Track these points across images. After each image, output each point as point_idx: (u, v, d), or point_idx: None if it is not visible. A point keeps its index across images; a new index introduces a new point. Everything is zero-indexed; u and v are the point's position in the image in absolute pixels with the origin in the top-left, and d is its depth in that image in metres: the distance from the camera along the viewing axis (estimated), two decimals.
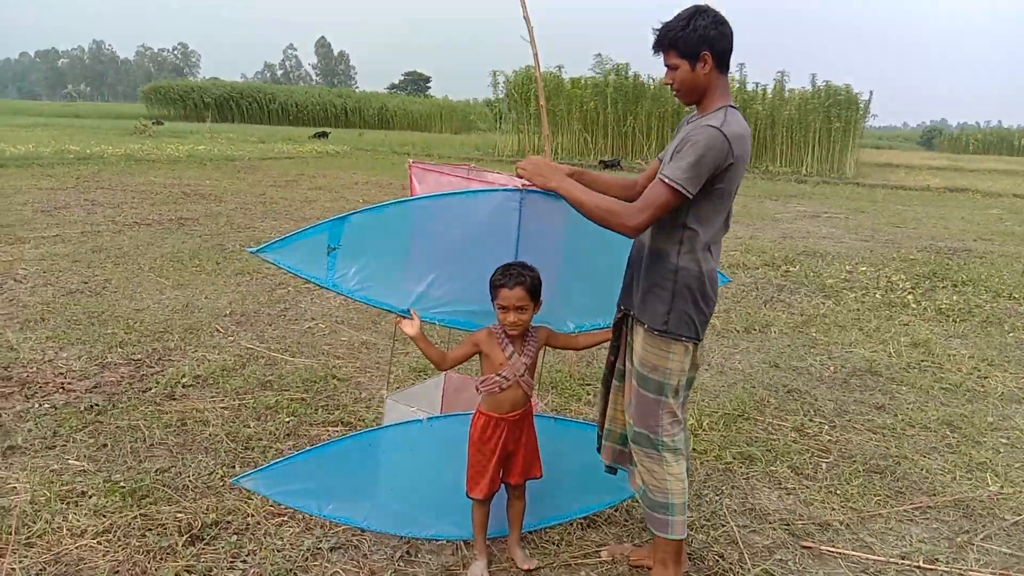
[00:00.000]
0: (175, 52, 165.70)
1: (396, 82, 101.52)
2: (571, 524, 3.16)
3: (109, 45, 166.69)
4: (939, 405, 4.72)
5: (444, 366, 2.71)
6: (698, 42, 2.42)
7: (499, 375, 2.63)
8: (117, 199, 11.61)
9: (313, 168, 18.67)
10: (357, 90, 73.18)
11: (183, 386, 4.41)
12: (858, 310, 7.02)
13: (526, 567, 2.80)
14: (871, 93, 26.71)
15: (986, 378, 5.28)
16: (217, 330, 5.51)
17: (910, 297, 7.55)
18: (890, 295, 7.64)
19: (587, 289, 2.93)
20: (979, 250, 10.64)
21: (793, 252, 9.77)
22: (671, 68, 2.50)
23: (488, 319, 2.70)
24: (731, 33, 2.47)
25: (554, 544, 3.02)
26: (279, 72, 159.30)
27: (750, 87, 26.52)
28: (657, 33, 2.49)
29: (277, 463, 2.65)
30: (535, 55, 4.47)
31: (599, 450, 2.92)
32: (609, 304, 2.81)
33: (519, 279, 2.56)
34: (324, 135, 32.78)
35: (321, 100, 55.50)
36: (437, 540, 2.96)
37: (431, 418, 2.85)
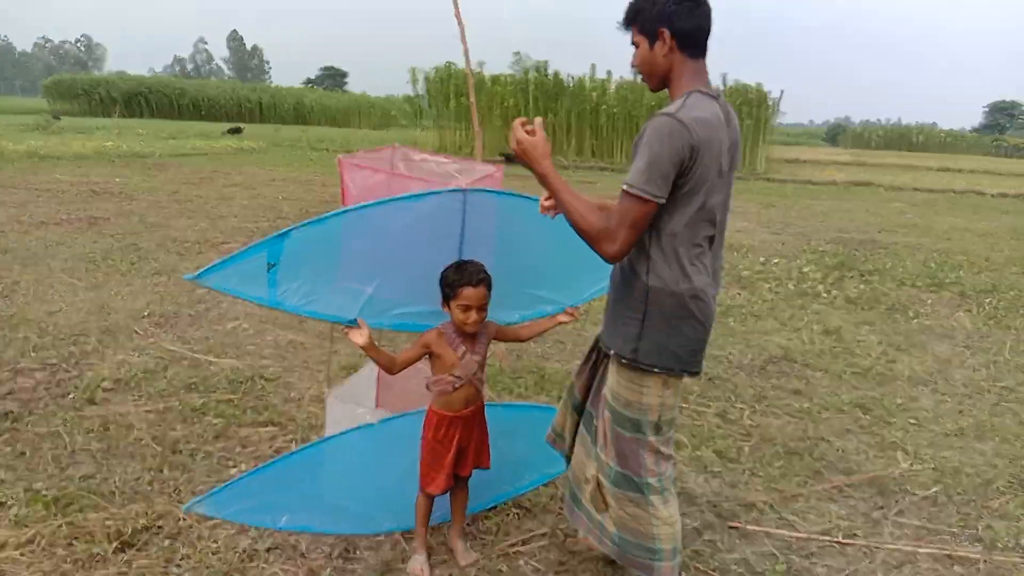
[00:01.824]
0: (78, 45, 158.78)
1: (312, 77, 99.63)
2: (508, 513, 3.21)
3: (5, 37, 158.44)
4: (851, 389, 4.96)
5: (394, 370, 2.66)
6: (656, 18, 2.18)
7: (452, 375, 2.64)
8: (21, 198, 11.08)
9: (228, 165, 18.20)
10: (272, 85, 71.54)
11: (103, 390, 4.27)
12: (772, 300, 7.29)
13: (465, 563, 2.83)
14: (781, 92, 27.67)
15: (893, 362, 5.57)
16: (136, 332, 5.35)
17: (821, 287, 7.88)
18: (802, 285, 7.96)
19: (526, 279, 2.96)
20: (884, 241, 11.16)
21: None
22: (635, 46, 2.29)
23: (434, 320, 2.70)
24: (703, 11, 2.20)
25: (491, 534, 3.06)
26: (189, 66, 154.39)
27: None
28: (627, 6, 2.28)
29: (227, 486, 2.60)
30: (466, 53, 4.51)
31: (550, 442, 2.86)
32: (547, 294, 2.86)
33: (480, 277, 2.56)
34: (238, 131, 31.87)
35: (234, 95, 54.00)
36: (382, 535, 2.97)
37: (381, 421, 2.85)
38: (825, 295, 7.59)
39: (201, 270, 2.28)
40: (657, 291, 2.22)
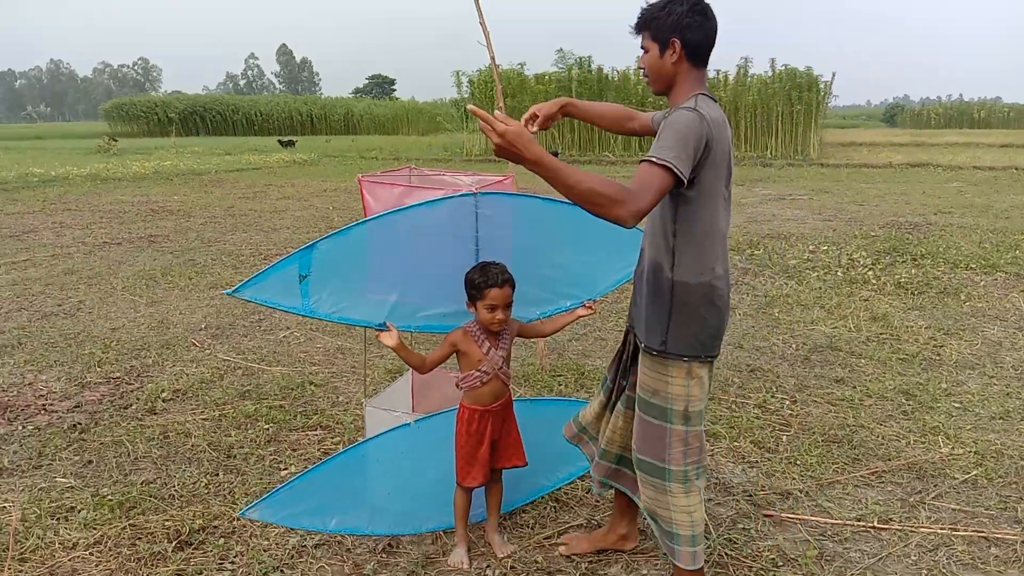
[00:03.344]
0: (135, 68, 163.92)
1: (361, 86, 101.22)
2: (544, 506, 3.32)
3: (67, 64, 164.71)
4: (896, 375, 4.92)
5: (425, 369, 2.82)
6: (670, 28, 2.31)
7: (479, 370, 2.77)
8: (85, 220, 11.60)
9: (281, 178, 18.67)
10: (322, 96, 72.82)
11: (163, 400, 4.50)
12: (820, 289, 7.23)
13: (502, 554, 2.94)
14: (833, 74, 27.07)
15: (941, 347, 5.50)
16: (193, 344, 5.60)
17: (870, 273, 7.77)
18: (851, 272, 7.87)
19: (544, 276, 3.06)
20: (938, 223, 10.92)
21: (758, 235, 9.99)
22: (644, 51, 2.41)
23: (458, 320, 2.85)
24: (711, 26, 2.34)
25: (528, 527, 3.17)
26: (242, 82, 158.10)
27: (711, 74, 26.76)
28: (639, 12, 2.41)
29: (278, 490, 2.77)
30: (492, 58, 4.61)
31: (570, 437, 2.97)
32: (566, 288, 2.96)
33: (505, 277, 2.69)
34: (291, 143, 32.54)
35: (286, 108, 55.18)
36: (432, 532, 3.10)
37: (417, 420, 2.99)
38: (874, 281, 7.49)
39: (238, 285, 2.47)
40: (681, 284, 2.35)
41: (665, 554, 2.62)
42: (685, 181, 2.15)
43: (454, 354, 2.83)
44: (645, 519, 2.62)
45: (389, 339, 2.67)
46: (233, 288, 2.45)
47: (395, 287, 2.75)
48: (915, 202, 13.47)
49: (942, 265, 8.13)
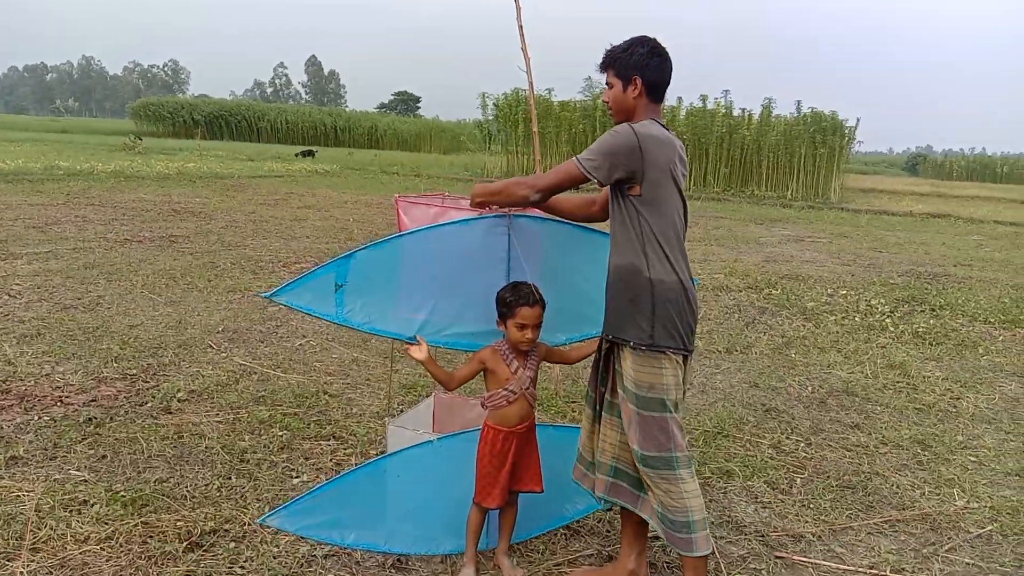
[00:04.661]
0: (165, 69, 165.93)
1: (386, 101, 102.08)
2: (555, 533, 3.30)
3: (98, 61, 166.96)
4: (912, 424, 4.89)
5: (452, 385, 2.85)
6: (632, 67, 2.66)
7: (506, 389, 2.79)
8: (108, 216, 11.70)
9: (302, 187, 18.81)
10: (347, 109, 73.46)
11: (178, 400, 4.52)
12: (837, 333, 7.20)
13: None
14: (858, 120, 27.18)
15: (958, 399, 5.46)
16: (210, 346, 5.62)
17: (888, 320, 7.74)
18: (869, 318, 7.83)
19: (571, 302, 3.09)
20: (958, 275, 10.87)
21: (776, 275, 9.97)
22: (609, 86, 2.74)
23: (486, 339, 2.87)
24: (667, 66, 2.70)
25: (538, 553, 3.15)
26: (269, 90, 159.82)
27: (736, 113, 26.87)
28: (605, 52, 2.75)
29: (298, 500, 2.78)
30: (530, 84, 4.66)
31: (578, 478, 2.99)
32: (593, 314, 2.98)
33: (536, 297, 2.73)
34: (310, 153, 32.81)
35: (311, 119, 55.71)
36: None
37: (440, 438, 2.99)
38: (892, 329, 7.46)
39: (275, 289, 2.52)
40: (659, 282, 2.59)
41: (671, 547, 2.68)
42: (597, 181, 2.57)
43: (479, 374, 2.84)
44: (654, 519, 2.69)
45: (419, 353, 2.71)
46: (271, 291, 2.49)
47: (427, 302, 2.79)
48: (935, 252, 13.43)
49: (961, 317, 8.09)
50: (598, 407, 2.86)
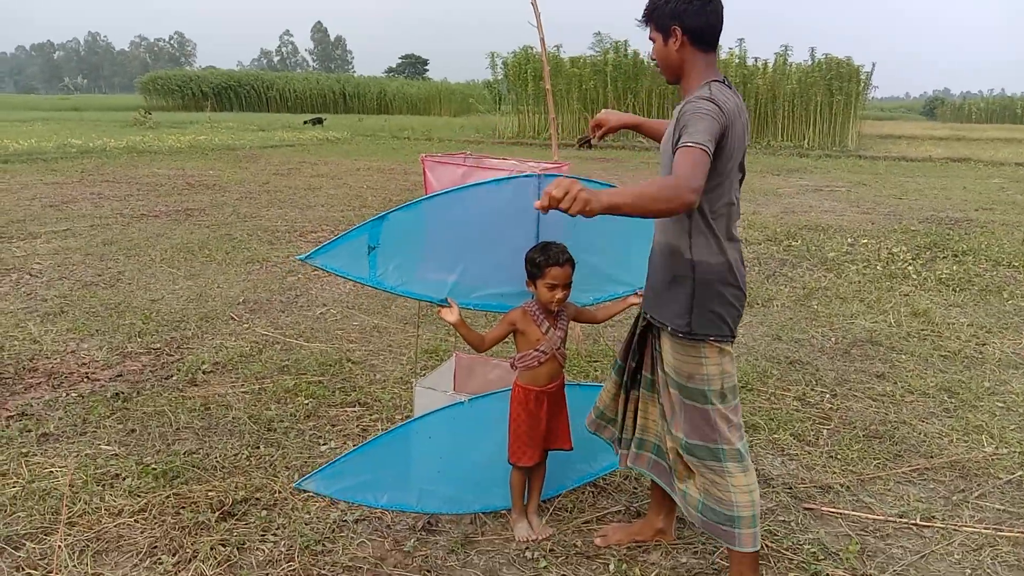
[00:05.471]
0: (171, 42, 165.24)
1: (394, 65, 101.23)
2: (583, 491, 3.31)
3: (104, 37, 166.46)
4: (938, 372, 4.85)
5: (483, 347, 2.84)
6: (669, 15, 2.34)
7: (537, 350, 2.78)
8: (123, 192, 11.73)
9: (314, 155, 18.76)
10: (355, 75, 72.94)
11: (203, 372, 4.55)
12: (859, 282, 7.14)
13: (541, 537, 2.94)
14: (873, 65, 26.68)
15: (984, 344, 5.40)
16: (232, 318, 5.65)
17: (911, 268, 7.66)
18: (891, 267, 7.75)
19: (599, 263, 3.06)
20: (980, 220, 10.73)
21: (795, 226, 9.87)
22: (652, 42, 2.44)
23: (515, 300, 2.87)
24: (713, 8, 2.34)
25: (567, 511, 3.16)
26: (276, 59, 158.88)
27: (750, 62, 26.43)
28: (646, 3, 2.44)
29: (332, 464, 2.81)
30: (542, 40, 4.58)
31: (594, 429, 2.92)
32: (620, 275, 2.95)
33: (566, 257, 2.70)
34: (319, 121, 32.64)
35: (319, 86, 55.41)
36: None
37: (471, 399, 3.00)
38: (915, 276, 7.38)
39: (311, 251, 2.51)
40: (702, 264, 2.37)
41: (716, 540, 2.62)
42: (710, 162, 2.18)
43: (510, 335, 2.84)
44: (691, 511, 2.57)
45: (450, 315, 2.72)
46: (306, 254, 2.50)
47: (457, 264, 2.78)
48: (956, 197, 13.24)
49: (984, 262, 7.99)
50: (626, 379, 2.75)
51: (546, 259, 2.69)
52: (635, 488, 3.39)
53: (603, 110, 2.90)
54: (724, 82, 2.37)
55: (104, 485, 3.24)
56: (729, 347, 2.44)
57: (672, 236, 2.42)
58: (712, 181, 2.27)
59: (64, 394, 4.21)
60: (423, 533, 2.97)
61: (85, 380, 4.42)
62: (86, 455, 3.50)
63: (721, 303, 2.39)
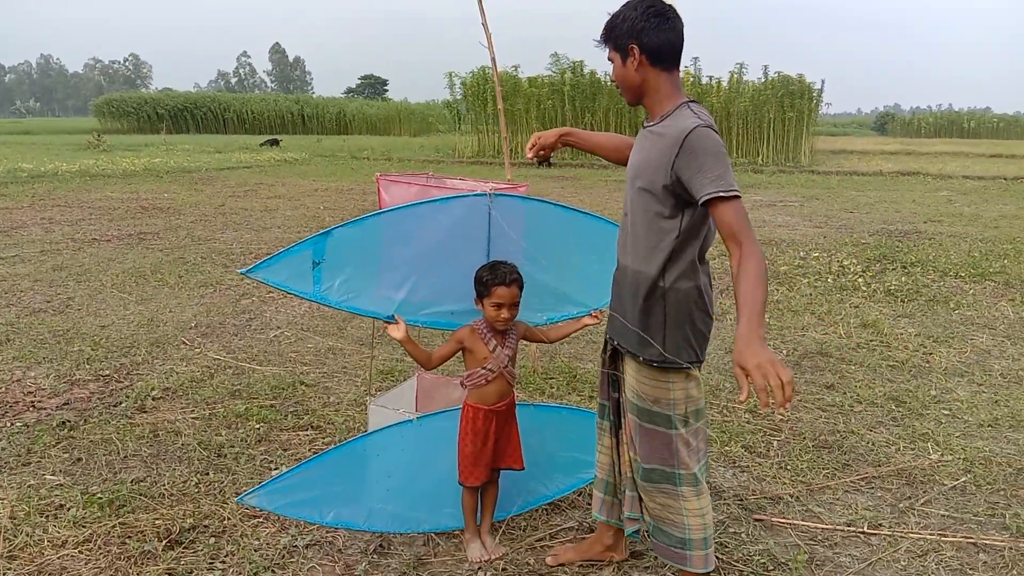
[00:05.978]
0: (126, 64, 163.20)
1: (353, 86, 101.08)
2: (536, 508, 3.31)
3: (57, 59, 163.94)
4: (886, 382, 4.95)
5: (430, 365, 2.84)
6: (626, 35, 2.27)
7: (485, 368, 2.78)
8: (74, 216, 11.52)
9: (272, 177, 18.61)
10: (314, 96, 72.64)
11: (152, 399, 4.48)
12: (811, 295, 7.26)
13: (494, 556, 2.93)
14: (823, 82, 27.26)
15: (931, 354, 5.53)
16: (183, 343, 5.57)
17: (860, 280, 7.82)
18: (841, 279, 7.91)
19: (552, 282, 3.07)
20: (928, 232, 11.00)
21: None
22: (610, 62, 2.38)
23: (466, 318, 2.87)
24: (670, 26, 2.26)
25: (520, 529, 3.16)
26: (233, 80, 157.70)
27: (704, 80, 26.84)
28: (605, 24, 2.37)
29: (277, 479, 2.76)
30: (493, 60, 4.62)
31: (601, 513, 2.83)
32: (574, 295, 2.96)
33: (513, 277, 2.71)
34: (275, 142, 32.32)
35: (277, 107, 54.97)
36: (432, 532, 3.10)
37: (420, 417, 2.99)
38: (864, 288, 7.53)
39: (252, 265, 2.49)
40: (673, 290, 2.31)
41: (663, 560, 2.62)
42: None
43: (459, 353, 2.84)
44: (645, 531, 2.57)
45: (397, 332, 2.71)
46: (247, 268, 2.47)
47: (405, 281, 2.78)
48: (905, 210, 13.57)
49: (932, 273, 8.19)
50: (613, 416, 2.69)
51: (493, 278, 2.70)
52: (587, 504, 3.39)
53: (534, 134, 2.89)
54: (698, 102, 2.32)
55: (48, 516, 3.16)
56: (696, 372, 2.40)
57: (643, 263, 2.34)
58: (697, 214, 2.26)
59: (8, 424, 4.10)
60: (375, 556, 2.95)
61: (31, 409, 4.32)
62: (29, 486, 3.42)
63: (692, 329, 2.34)
